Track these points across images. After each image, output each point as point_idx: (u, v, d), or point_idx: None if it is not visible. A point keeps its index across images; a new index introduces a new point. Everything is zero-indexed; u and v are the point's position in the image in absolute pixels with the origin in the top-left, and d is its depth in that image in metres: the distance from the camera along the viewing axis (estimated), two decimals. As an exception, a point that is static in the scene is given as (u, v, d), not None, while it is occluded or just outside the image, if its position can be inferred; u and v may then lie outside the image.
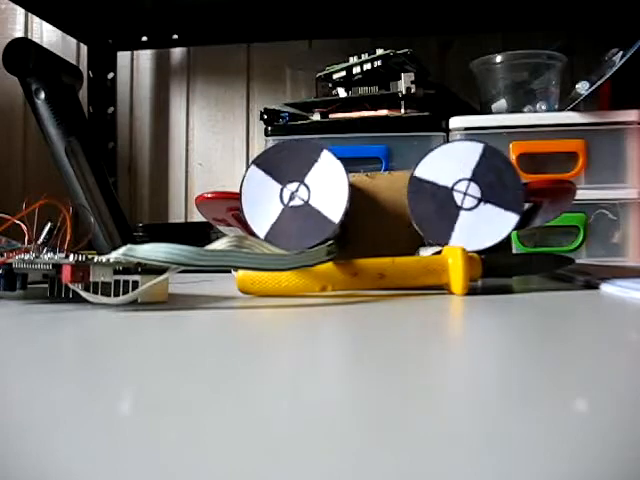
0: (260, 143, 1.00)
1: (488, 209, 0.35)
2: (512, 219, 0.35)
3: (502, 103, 0.77)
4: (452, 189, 0.36)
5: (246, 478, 0.09)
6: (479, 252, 0.34)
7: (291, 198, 0.36)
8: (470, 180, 0.36)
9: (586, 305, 0.31)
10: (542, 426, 0.11)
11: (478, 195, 0.35)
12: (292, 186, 0.37)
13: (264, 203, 0.37)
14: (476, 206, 0.35)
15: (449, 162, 0.36)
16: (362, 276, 0.33)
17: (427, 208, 0.36)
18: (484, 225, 0.35)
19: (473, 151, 0.36)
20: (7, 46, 0.45)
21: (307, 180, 0.36)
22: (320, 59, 0.82)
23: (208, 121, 1.07)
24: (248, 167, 0.38)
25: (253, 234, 0.36)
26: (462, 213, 0.36)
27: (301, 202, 0.36)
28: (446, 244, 0.35)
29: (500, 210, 0.35)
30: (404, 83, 0.74)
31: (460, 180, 0.36)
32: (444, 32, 0.98)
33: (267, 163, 0.37)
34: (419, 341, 0.21)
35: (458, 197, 0.36)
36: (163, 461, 0.09)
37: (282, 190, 0.37)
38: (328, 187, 0.36)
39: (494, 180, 0.35)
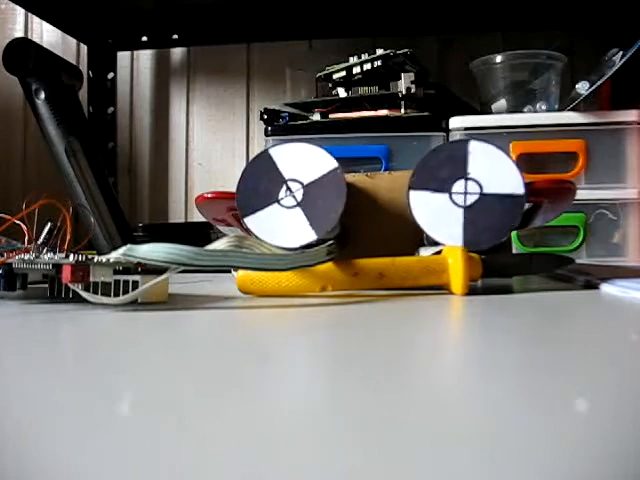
0: (260, 143, 1.00)
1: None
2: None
3: (502, 103, 0.77)
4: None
5: (246, 478, 0.09)
6: (479, 252, 0.34)
7: (286, 196, 0.36)
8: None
9: (586, 305, 0.31)
10: (542, 426, 0.11)
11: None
12: (293, 185, 0.36)
13: (262, 187, 0.37)
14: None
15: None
16: (362, 276, 0.33)
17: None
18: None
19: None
20: (7, 46, 0.45)
21: (308, 186, 0.36)
22: (320, 59, 0.82)
23: (208, 121, 1.07)
24: (266, 149, 0.37)
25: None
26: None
27: (293, 203, 0.36)
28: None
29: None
30: (404, 83, 0.74)
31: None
32: (444, 32, 0.98)
33: (284, 155, 0.37)
34: (419, 341, 0.21)
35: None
36: (163, 461, 0.09)
37: (282, 185, 0.37)
38: (323, 202, 0.36)
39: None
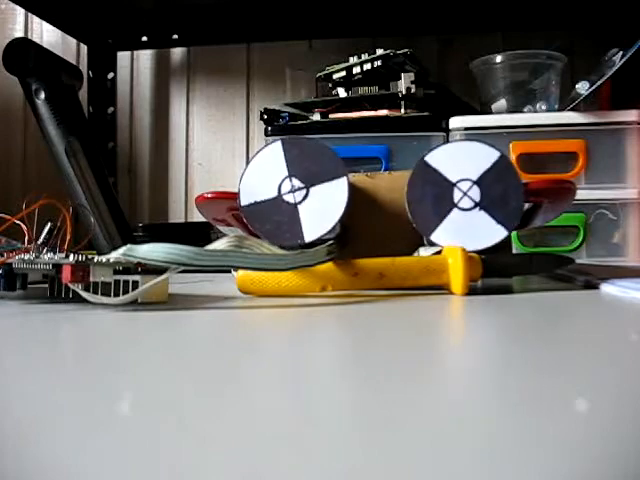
0: (260, 143, 1.00)
1: (481, 216, 0.35)
2: (500, 233, 0.35)
3: (502, 103, 0.77)
4: (454, 185, 0.36)
5: (246, 478, 0.09)
6: (479, 252, 0.34)
7: (288, 192, 0.36)
8: (474, 183, 0.36)
9: (586, 305, 0.31)
10: (542, 426, 0.11)
11: (477, 199, 0.35)
12: (296, 183, 0.36)
13: (265, 177, 0.36)
14: (471, 209, 0.35)
15: (461, 159, 0.36)
16: (362, 276, 0.33)
17: (424, 194, 0.36)
18: (472, 230, 0.35)
19: (488, 156, 0.36)
20: (7, 46, 0.45)
21: (313, 188, 0.36)
22: (320, 59, 0.82)
23: (208, 121, 1.07)
24: (274, 140, 0.37)
25: (253, 234, 0.36)
26: (455, 210, 0.36)
27: (293, 201, 0.36)
28: (428, 235, 0.35)
29: (492, 221, 0.35)
30: (404, 83, 0.74)
31: (465, 179, 0.36)
32: (444, 32, 0.98)
33: (292, 150, 0.37)
34: (419, 341, 0.21)
35: (457, 194, 0.36)
36: (163, 461, 0.09)
37: (284, 179, 0.36)
38: (322, 208, 0.36)
39: (497, 191, 0.35)
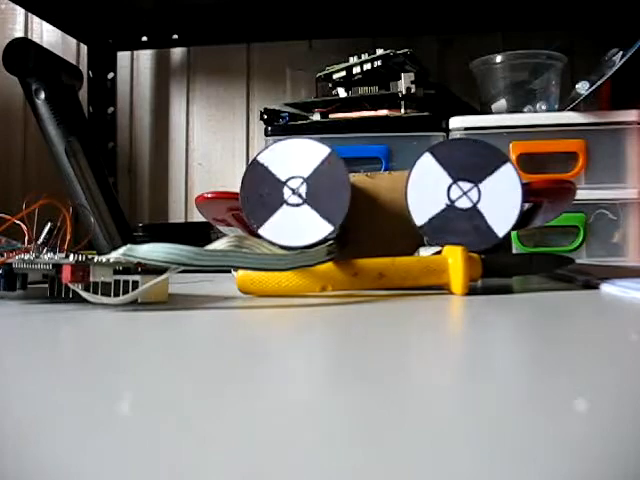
0: (260, 143, 1.00)
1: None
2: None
3: (502, 103, 0.77)
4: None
5: (246, 478, 0.09)
6: (478, 252, 0.34)
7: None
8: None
9: (586, 305, 0.31)
10: (542, 426, 0.11)
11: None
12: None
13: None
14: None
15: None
16: (362, 276, 0.33)
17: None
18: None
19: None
20: (7, 46, 0.45)
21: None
22: (320, 59, 0.82)
23: (208, 121, 1.07)
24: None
25: (253, 234, 0.36)
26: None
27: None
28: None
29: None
30: (404, 83, 0.74)
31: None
32: (444, 32, 0.98)
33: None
34: (419, 341, 0.21)
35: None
36: (163, 461, 0.09)
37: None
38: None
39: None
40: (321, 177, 0.36)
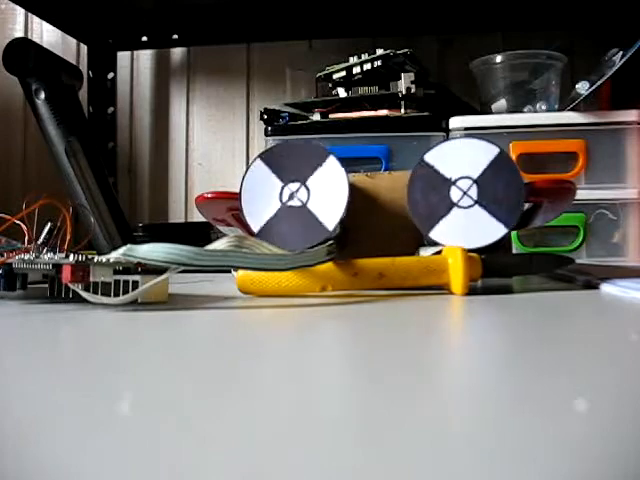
0: (260, 143, 1.00)
1: (480, 213, 0.35)
2: (500, 230, 0.35)
3: (502, 103, 0.77)
4: (453, 183, 0.36)
5: (246, 478, 0.09)
6: (478, 252, 0.34)
7: (290, 197, 0.37)
8: (474, 181, 0.36)
9: (586, 305, 0.31)
10: (542, 426, 0.11)
11: (475, 197, 0.35)
12: (293, 186, 0.37)
13: (264, 198, 0.37)
14: (470, 206, 0.35)
15: (460, 156, 0.36)
16: (362, 276, 0.33)
17: (424, 193, 0.36)
18: (471, 227, 0.35)
19: (487, 153, 0.36)
20: (7, 46, 0.45)
21: (309, 182, 0.37)
22: (320, 59, 0.82)
23: (208, 121, 1.07)
24: (254, 160, 0.38)
25: (253, 233, 0.36)
26: (454, 210, 0.35)
27: (299, 203, 0.36)
28: (427, 234, 0.35)
29: (492, 219, 0.35)
30: (404, 83, 0.74)
31: (464, 177, 0.36)
32: (444, 32, 0.98)
33: (273, 159, 0.37)
34: (419, 341, 0.21)
35: (456, 193, 0.36)
36: (163, 461, 0.09)
37: (283, 188, 0.37)
38: (328, 193, 0.36)
39: (497, 187, 0.35)
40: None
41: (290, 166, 0.37)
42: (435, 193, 0.36)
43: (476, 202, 0.35)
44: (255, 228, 0.36)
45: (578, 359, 0.17)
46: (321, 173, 0.37)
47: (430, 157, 0.36)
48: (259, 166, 0.37)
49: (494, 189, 0.35)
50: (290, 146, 0.38)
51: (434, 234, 0.35)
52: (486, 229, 0.35)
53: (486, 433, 0.11)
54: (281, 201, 0.37)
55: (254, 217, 0.37)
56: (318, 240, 0.35)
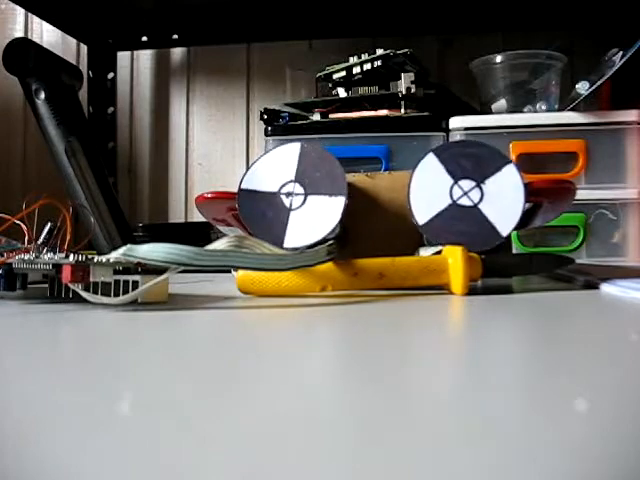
0: (260, 143, 1.00)
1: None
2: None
3: (502, 103, 0.77)
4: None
5: (246, 478, 0.09)
6: (478, 252, 0.34)
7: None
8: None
9: (586, 305, 0.31)
10: (542, 426, 0.11)
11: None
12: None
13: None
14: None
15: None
16: (362, 276, 0.33)
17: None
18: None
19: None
20: (7, 46, 0.45)
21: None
22: (320, 59, 0.82)
23: (208, 121, 1.07)
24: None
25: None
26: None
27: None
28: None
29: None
30: (404, 83, 0.74)
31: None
32: (444, 32, 0.98)
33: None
34: (419, 341, 0.21)
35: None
36: (163, 461, 0.09)
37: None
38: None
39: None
40: (308, 168, 0.37)
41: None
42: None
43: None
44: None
45: (578, 359, 0.17)
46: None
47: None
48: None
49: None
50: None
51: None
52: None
53: (486, 433, 0.11)
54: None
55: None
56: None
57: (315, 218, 0.36)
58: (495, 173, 0.36)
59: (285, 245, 0.36)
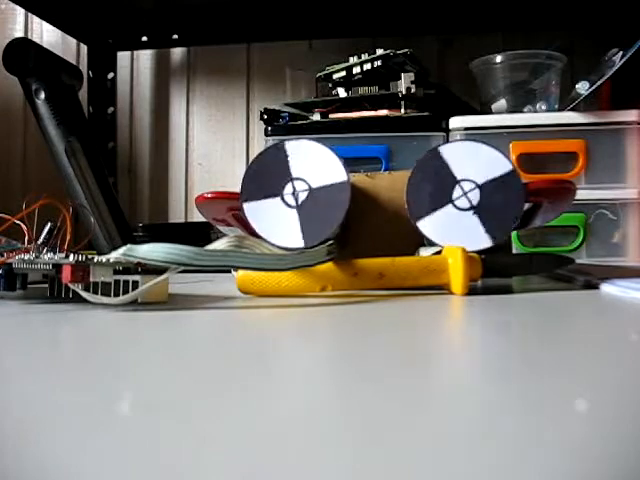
0: (260, 143, 1.00)
1: (472, 219, 0.35)
2: (486, 242, 0.35)
3: (502, 103, 0.77)
4: (458, 182, 0.36)
5: (246, 478, 0.09)
6: (478, 252, 0.34)
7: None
8: (478, 186, 0.36)
9: (586, 305, 0.31)
10: (542, 426, 0.11)
11: (474, 203, 0.36)
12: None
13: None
14: (465, 210, 0.36)
15: (473, 160, 0.36)
16: (362, 276, 0.33)
17: (426, 181, 0.36)
18: (459, 230, 0.35)
19: (500, 166, 0.36)
20: (7, 46, 0.45)
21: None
22: (320, 59, 0.82)
23: (208, 121, 1.07)
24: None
25: (253, 234, 0.36)
26: (449, 206, 0.36)
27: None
28: (415, 222, 0.35)
29: (481, 228, 0.35)
30: (404, 83, 0.74)
31: (469, 180, 0.36)
32: (444, 32, 0.98)
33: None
34: (419, 341, 0.21)
35: (457, 191, 0.36)
36: (163, 461, 0.09)
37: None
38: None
39: (497, 201, 0.35)
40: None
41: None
42: (437, 184, 0.36)
43: (473, 207, 0.36)
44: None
45: (578, 359, 0.17)
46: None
47: (445, 150, 0.36)
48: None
49: (494, 201, 0.35)
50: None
51: (422, 224, 0.35)
52: (473, 236, 0.35)
53: (486, 433, 0.11)
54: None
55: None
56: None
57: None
58: (498, 180, 0.36)
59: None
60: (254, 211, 0.36)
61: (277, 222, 0.36)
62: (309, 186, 0.36)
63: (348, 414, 0.12)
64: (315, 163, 0.36)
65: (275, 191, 0.36)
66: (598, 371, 0.15)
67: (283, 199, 0.36)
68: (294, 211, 0.36)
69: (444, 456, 0.09)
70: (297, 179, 0.36)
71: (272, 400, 0.13)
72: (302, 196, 0.36)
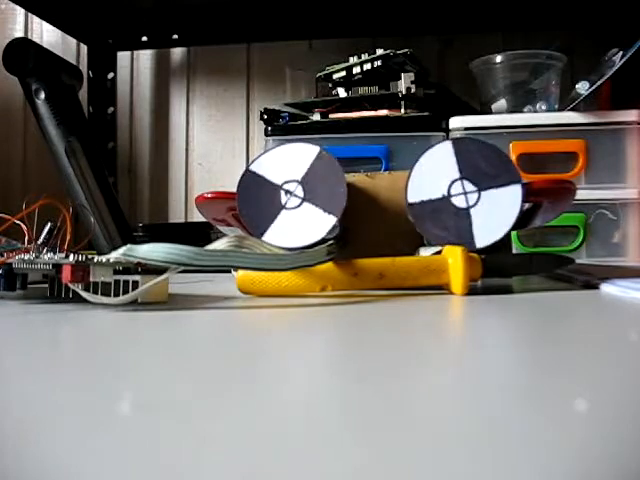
0: (260, 143, 1.00)
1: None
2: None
3: (502, 103, 0.77)
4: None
5: (246, 478, 0.09)
6: (479, 252, 0.34)
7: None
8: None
9: (586, 305, 0.31)
10: (542, 426, 0.11)
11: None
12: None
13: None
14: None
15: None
16: (362, 276, 0.33)
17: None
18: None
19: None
20: (7, 46, 0.45)
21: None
22: (320, 59, 0.82)
23: (208, 121, 1.07)
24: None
25: (253, 234, 0.36)
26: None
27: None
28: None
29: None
30: (404, 83, 0.74)
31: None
32: (444, 32, 0.98)
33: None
34: (419, 341, 0.21)
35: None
36: (163, 461, 0.09)
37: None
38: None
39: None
40: (316, 176, 0.36)
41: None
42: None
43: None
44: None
45: (578, 359, 0.17)
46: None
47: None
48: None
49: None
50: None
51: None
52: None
53: (486, 433, 0.11)
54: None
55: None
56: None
57: (302, 226, 0.36)
58: (500, 187, 0.36)
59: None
60: (275, 235, 0.36)
61: (261, 204, 0.36)
62: (304, 197, 0.36)
63: (348, 414, 0.12)
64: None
65: (276, 208, 0.36)
66: (598, 371, 0.15)
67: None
68: (305, 204, 0.36)
69: (444, 456, 0.09)
70: (285, 183, 0.37)
71: (272, 400, 0.13)
72: (293, 201, 0.36)
